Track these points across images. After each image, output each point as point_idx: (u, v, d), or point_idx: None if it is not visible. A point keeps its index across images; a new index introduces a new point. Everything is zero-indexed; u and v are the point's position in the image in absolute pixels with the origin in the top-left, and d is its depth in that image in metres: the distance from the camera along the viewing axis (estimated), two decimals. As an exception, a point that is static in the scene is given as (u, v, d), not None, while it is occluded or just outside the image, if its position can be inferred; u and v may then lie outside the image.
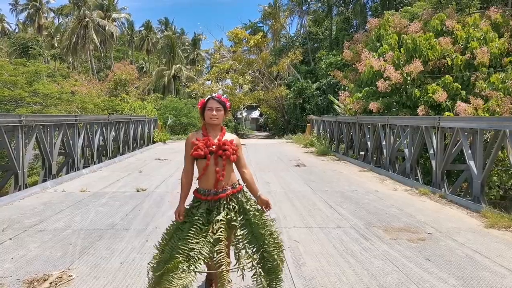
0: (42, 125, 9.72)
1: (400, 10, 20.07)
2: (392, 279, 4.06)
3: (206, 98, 3.28)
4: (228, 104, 3.31)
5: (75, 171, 11.17)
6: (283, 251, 3.32)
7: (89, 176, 10.80)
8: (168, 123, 29.26)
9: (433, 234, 5.59)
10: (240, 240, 3.14)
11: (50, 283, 3.92)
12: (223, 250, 2.99)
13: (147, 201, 7.67)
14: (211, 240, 3.00)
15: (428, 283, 3.96)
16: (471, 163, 7.61)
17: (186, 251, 2.95)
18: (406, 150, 10.35)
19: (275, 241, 3.21)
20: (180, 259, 2.90)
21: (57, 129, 10.76)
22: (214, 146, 3.15)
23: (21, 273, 4.16)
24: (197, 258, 2.92)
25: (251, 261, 3.07)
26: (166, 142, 23.51)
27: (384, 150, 11.63)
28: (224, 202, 3.17)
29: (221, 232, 3.03)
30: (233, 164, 3.25)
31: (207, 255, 2.96)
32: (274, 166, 12.68)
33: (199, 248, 2.96)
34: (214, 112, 3.19)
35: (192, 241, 2.99)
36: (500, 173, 10.40)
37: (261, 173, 11.08)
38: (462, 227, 5.98)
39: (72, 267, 4.34)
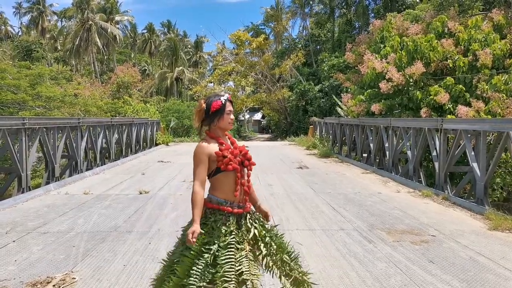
0: (45, 128, 9.74)
1: (403, 13, 20.05)
2: (396, 282, 4.04)
3: (223, 100, 2.80)
4: None
5: (78, 173, 11.19)
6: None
7: (92, 179, 10.82)
8: (170, 126, 29.31)
9: (436, 236, 5.57)
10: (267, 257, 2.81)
11: (53, 285, 3.92)
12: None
13: (150, 203, 7.68)
14: (251, 259, 2.68)
15: (432, 286, 3.95)
16: (474, 165, 7.59)
17: (234, 276, 2.55)
18: (409, 152, 10.33)
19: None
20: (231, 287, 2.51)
21: (60, 131, 10.79)
22: (240, 155, 2.80)
23: (24, 276, 4.17)
24: (252, 283, 2.56)
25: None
26: (169, 144, 23.55)
27: (387, 152, 11.61)
28: (248, 216, 2.84)
29: (262, 248, 2.76)
30: None
31: (257, 274, 2.63)
32: (276, 168, 12.67)
33: (248, 268, 2.60)
34: (232, 116, 2.86)
35: (236, 263, 2.59)
36: (503, 175, 10.35)
37: (264, 175, 11.07)
38: (465, 229, 5.96)
39: (75, 269, 4.35)
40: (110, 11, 49.55)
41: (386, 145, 11.67)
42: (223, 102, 2.78)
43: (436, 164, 8.88)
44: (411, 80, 13.79)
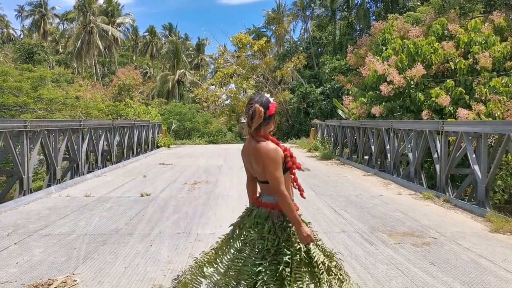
0: (46, 130, 9.77)
1: (404, 15, 20.07)
2: (397, 284, 4.04)
3: (274, 103, 2.81)
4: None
5: (79, 176, 11.21)
6: None
7: (94, 181, 10.83)
8: (172, 128, 29.34)
9: (437, 238, 5.57)
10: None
11: (55, 287, 3.93)
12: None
13: (151, 206, 7.68)
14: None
15: (433, 288, 3.94)
16: (476, 167, 7.58)
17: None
18: (410, 154, 10.33)
19: None
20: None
21: (61, 134, 10.82)
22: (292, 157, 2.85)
23: (26, 278, 4.18)
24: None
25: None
26: (170, 147, 23.57)
27: (388, 155, 11.60)
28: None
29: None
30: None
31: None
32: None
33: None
34: None
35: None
36: (504, 177, 10.34)
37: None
38: (466, 231, 5.95)
39: (76, 271, 4.36)
40: (112, 14, 49.67)
41: (388, 147, 11.67)
42: (276, 104, 2.81)
43: (437, 167, 8.87)
44: (412, 83, 13.79)
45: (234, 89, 36.24)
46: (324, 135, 20.32)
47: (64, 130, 10.86)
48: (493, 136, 8.86)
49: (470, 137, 8.00)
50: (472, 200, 8.50)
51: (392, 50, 14.91)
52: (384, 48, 15.88)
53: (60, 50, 55.19)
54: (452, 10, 15.93)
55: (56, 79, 27.87)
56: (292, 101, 32.79)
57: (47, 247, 5.18)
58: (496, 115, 11.56)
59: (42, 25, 56.80)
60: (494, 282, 4.09)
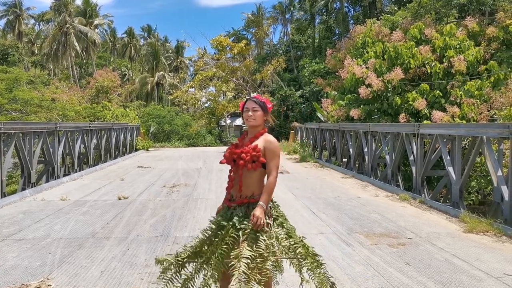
0: (21, 133, 9.56)
1: (380, 19, 20.39)
2: (373, 284, 4.10)
3: (245, 100, 3.23)
4: (269, 105, 3.20)
5: (55, 179, 11.00)
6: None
7: (70, 185, 10.65)
8: (151, 131, 29.08)
9: (413, 239, 5.67)
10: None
11: (28, 293, 3.85)
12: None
13: (129, 209, 7.59)
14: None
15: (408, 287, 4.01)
16: (450, 169, 7.75)
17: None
18: (387, 157, 10.49)
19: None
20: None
21: (36, 136, 10.59)
22: (236, 154, 3.03)
23: (-2, 284, 4.08)
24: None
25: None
26: (149, 149, 23.36)
27: (366, 157, 11.76)
28: (233, 211, 3.01)
29: (228, 240, 2.89)
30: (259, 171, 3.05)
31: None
32: (257, 173, 12.68)
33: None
34: (250, 113, 3.08)
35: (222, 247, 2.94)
36: (478, 179, 10.59)
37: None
38: (441, 231, 6.08)
39: (51, 276, 4.27)
40: (89, 15, 48.95)
41: (365, 150, 11.82)
42: (244, 102, 3.21)
43: (413, 169, 9.04)
44: (389, 86, 14.01)
45: (214, 92, 36.17)
46: (304, 138, 20.45)
47: (39, 133, 10.64)
48: (467, 139, 9.08)
49: (444, 140, 8.17)
50: (447, 201, 8.68)
51: (373, 53, 15.12)
52: (364, 51, 16.08)
53: (36, 51, 54.07)
54: (428, 15, 16.28)
55: (31, 80, 27.30)
56: (272, 104, 32.92)
57: (21, 251, 5.06)
58: (470, 117, 11.85)
59: (17, 25, 55.54)
60: (467, 281, 4.19)
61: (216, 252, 2.91)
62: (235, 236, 2.89)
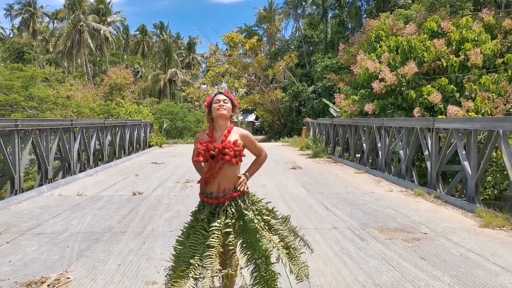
0: (38, 130, 9.71)
1: (394, 13, 20.18)
2: (388, 278, 4.10)
3: (213, 95, 3.29)
4: (236, 101, 3.29)
5: (71, 175, 11.16)
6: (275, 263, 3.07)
7: (86, 180, 10.80)
8: (163, 127, 29.27)
9: (428, 234, 5.64)
10: (231, 247, 2.94)
11: (48, 285, 3.93)
12: (212, 256, 2.83)
13: (143, 204, 7.68)
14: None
15: (423, 282, 4.00)
16: (466, 163, 7.67)
17: (188, 258, 2.85)
18: (401, 152, 10.42)
19: (266, 253, 3.00)
20: (183, 267, 2.81)
21: (53, 133, 10.76)
22: (216, 150, 3.03)
23: (19, 276, 4.17)
24: (196, 265, 2.80)
25: (238, 269, 2.90)
26: (162, 146, 23.53)
27: (380, 152, 11.69)
28: (223, 207, 3.05)
29: (213, 238, 2.90)
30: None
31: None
32: (270, 169, 12.69)
33: (200, 255, 2.85)
34: (222, 103, 3.15)
35: (196, 248, 2.90)
36: (494, 173, 10.47)
37: (257, 175, 11.06)
38: (456, 226, 6.03)
39: (69, 269, 4.36)
40: (103, 12, 49.35)
41: (379, 145, 11.76)
42: (212, 97, 3.26)
43: (428, 163, 8.96)
44: (403, 80, 13.89)
45: (226, 88, 36.22)
46: (316, 134, 20.42)
47: (56, 130, 10.81)
48: (483, 133, 8.97)
49: (460, 134, 8.08)
50: (463, 196, 8.60)
51: (386, 47, 14.98)
52: (378, 45, 15.93)
53: (51, 49, 54.72)
54: (442, 8, 16.06)
55: (46, 78, 27.67)
56: (284, 99, 32.85)
57: (39, 245, 5.17)
58: (484, 111, 11.69)
59: (31, 24, 56.30)
60: (483, 275, 4.16)
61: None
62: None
